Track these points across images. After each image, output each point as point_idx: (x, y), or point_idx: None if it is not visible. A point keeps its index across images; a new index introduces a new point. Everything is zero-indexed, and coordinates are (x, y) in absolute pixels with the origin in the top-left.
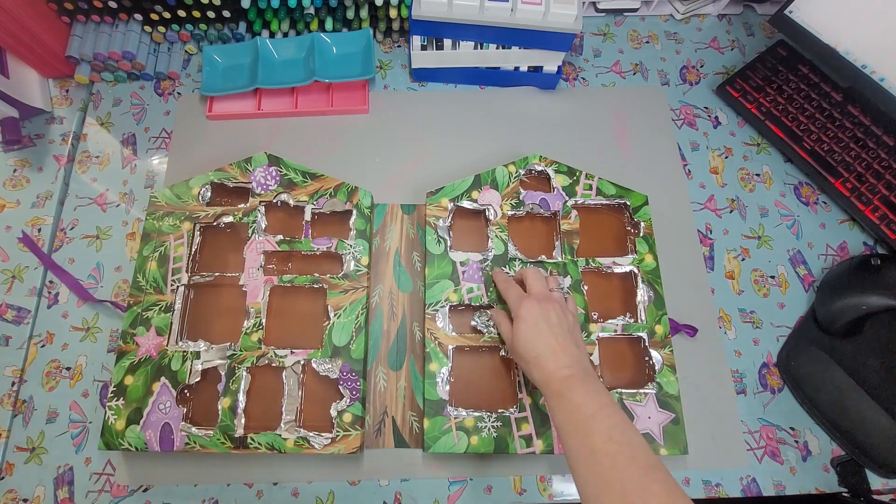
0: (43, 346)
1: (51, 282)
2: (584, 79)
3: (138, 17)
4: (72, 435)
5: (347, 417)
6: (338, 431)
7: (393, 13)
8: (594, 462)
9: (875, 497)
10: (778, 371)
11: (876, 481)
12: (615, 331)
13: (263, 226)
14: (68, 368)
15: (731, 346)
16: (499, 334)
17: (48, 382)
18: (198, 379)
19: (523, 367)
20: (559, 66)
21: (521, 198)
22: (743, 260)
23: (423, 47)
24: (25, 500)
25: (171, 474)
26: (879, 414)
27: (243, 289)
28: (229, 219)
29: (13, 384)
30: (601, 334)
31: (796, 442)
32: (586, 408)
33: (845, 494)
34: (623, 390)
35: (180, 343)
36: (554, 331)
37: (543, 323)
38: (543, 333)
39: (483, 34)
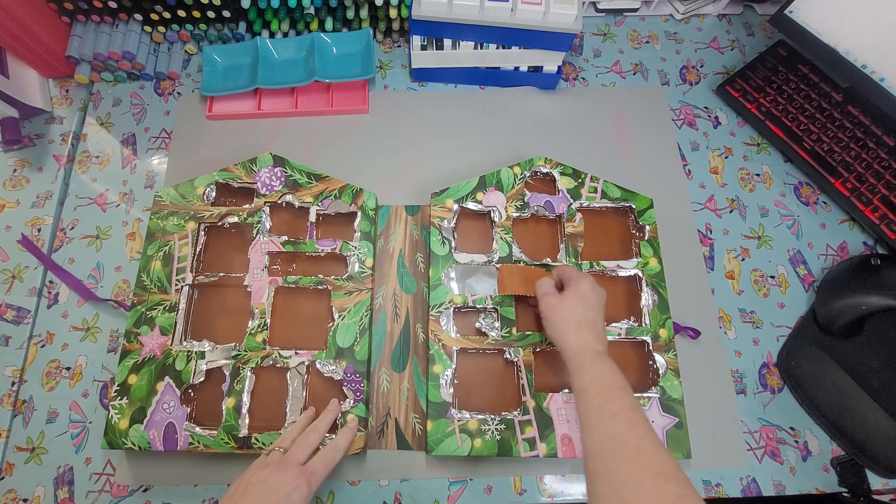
0: (43, 346)
1: (51, 282)
2: (584, 79)
3: (138, 17)
4: (72, 435)
5: (351, 419)
6: None
7: (393, 13)
8: (615, 421)
9: (875, 497)
10: (778, 371)
11: (876, 481)
12: (619, 334)
13: (268, 226)
14: (68, 368)
15: (732, 346)
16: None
17: (48, 382)
18: (202, 379)
19: (562, 327)
20: (559, 66)
21: (525, 200)
22: (743, 260)
23: (423, 47)
24: (25, 500)
25: (171, 474)
26: (879, 414)
27: (248, 289)
28: (234, 219)
29: (13, 384)
30: None
31: (796, 442)
32: (619, 379)
33: (845, 494)
34: None
35: (184, 343)
36: (601, 311)
37: (596, 300)
38: (595, 308)
39: (483, 34)
